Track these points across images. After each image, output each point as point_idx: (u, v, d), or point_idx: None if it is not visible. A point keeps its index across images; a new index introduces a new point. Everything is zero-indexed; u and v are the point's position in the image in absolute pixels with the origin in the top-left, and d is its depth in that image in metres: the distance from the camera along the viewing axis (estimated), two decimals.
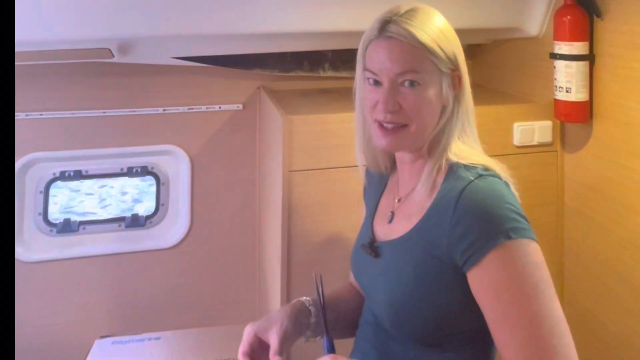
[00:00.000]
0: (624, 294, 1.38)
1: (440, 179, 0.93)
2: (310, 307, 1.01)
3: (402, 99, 0.92)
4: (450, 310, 0.88)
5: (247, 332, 0.95)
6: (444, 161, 0.94)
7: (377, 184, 1.12)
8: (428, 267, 0.89)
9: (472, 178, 0.88)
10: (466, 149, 0.96)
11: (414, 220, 0.94)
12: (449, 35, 0.95)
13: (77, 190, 5.27)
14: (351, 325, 1.11)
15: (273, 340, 0.92)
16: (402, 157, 1.02)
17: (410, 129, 0.93)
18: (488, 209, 0.84)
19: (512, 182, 0.93)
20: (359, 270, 1.06)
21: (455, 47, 0.95)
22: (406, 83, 0.92)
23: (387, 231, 1.01)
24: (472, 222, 0.84)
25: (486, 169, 0.91)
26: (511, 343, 0.79)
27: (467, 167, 0.91)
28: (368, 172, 1.16)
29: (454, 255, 0.85)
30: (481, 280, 0.83)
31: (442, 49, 0.93)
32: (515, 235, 0.82)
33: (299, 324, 0.98)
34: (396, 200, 1.03)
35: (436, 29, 0.93)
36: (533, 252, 0.83)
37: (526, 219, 0.86)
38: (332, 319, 1.00)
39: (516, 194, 0.92)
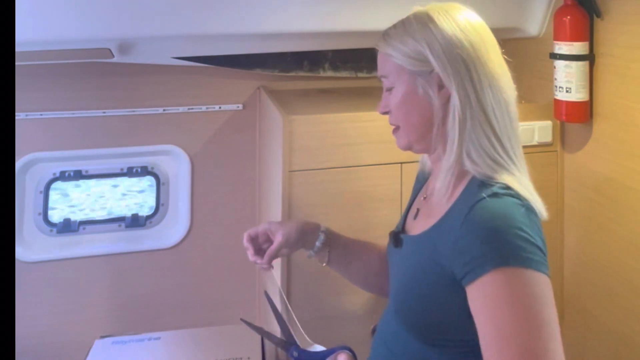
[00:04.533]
0: (624, 294, 1.38)
1: (460, 189, 0.92)
2: (321, 234, 1.14)
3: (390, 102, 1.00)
4: (449, 316, 0.88)
5: (262, 225, 1.14)
6: (458, 166, 0.91)
7: (422, 182, 1.15)
8: (430, 271, 0.90)
9: (485, 195, 0.85)
10: (490, 162, 0.90)
11: (431, 222, 0.95)
12: (426, 34, 0.92)
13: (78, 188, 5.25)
14: (362, 277, 1.21)
15: (275, 242, 1.10)
16: (432, 158, 1.03)
17: (401, 130, 0.99)
18: (492, 230, 0.81)
19: (539, 206, 0.88)
20: (388, 255, 1.11)
21: (429, 47, 0.91)
22: (385, 88, 1.00)
23: (412, 226, 1.05)
24: (474, 240, 0.82)
25: (506, 187, 0.87)
26: None
27: (484, 183, 0.88)
28: (420, 171, 1.18)
29: (455, 267, 0.85)
30: (476, 299, 0.81)
31: (403, 48, 0.94)
32: (515, 263, 0.78)
33: (303, 241, 1.13)
34: (422, 198, 1.07)
35: (407, 30, 0.95)
36: (534, 284, 0.78)
37: (540, 248, 0.81)
38: (346, 260, 1.17)
39: (539, 219, 0.87)
